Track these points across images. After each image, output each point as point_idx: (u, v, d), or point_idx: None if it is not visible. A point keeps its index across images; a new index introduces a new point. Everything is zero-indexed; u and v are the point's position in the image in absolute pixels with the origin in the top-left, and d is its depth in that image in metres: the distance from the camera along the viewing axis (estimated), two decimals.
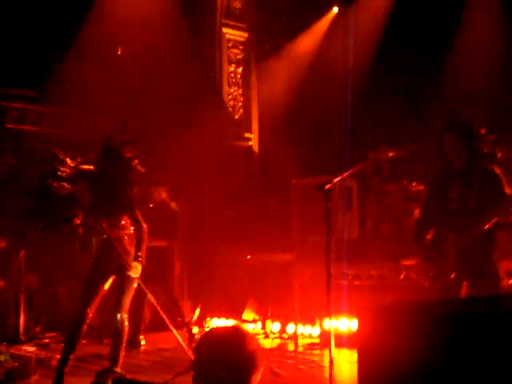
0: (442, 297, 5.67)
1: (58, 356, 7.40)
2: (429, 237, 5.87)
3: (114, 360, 6.25)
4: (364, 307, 3.04)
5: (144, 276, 6.29)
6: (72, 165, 6.29)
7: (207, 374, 2.79)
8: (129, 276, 6.14)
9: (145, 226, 6.33)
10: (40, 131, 10.15)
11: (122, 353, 6.26)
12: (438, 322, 2.53)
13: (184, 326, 7.99)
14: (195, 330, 8.45)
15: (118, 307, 6.24)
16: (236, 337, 2.85)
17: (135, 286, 6.28)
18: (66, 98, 9.90)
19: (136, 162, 6.30)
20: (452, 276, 5.66)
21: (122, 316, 6.21)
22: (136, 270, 6.12)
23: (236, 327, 3.04)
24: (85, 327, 6.18)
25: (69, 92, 9.81)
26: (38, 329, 8.66)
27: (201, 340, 2.89)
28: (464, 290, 5.68)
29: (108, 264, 6.30)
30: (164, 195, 8.35)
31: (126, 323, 6.26)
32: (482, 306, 2.98)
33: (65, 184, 6.21)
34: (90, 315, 6.20)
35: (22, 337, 8.42)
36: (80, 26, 10.00)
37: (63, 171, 6.23)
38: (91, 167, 6.32)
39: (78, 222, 6.28)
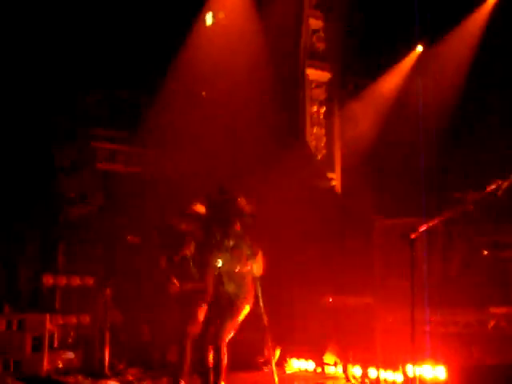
0: None
1: None
2: None
3: None
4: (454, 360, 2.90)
5: None
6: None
7: None
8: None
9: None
10: (128, 171, 10.33)
11: None
12: None
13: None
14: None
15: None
16: None
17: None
18: (153, 140, 10.06)
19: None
20: None
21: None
22: None
23: None
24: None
25: (157, 134, 9.96)
26: (121, 365, 8.67)
27: None
28: None
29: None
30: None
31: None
32: None
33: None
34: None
35: (106, 372, 8.45)
36: (169, 70, 10.18)
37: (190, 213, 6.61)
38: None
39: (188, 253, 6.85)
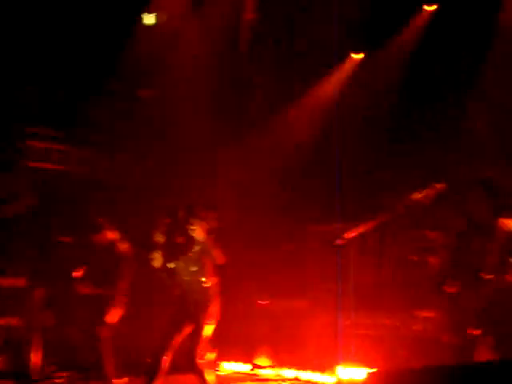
0: (461, 354, 5.57)
1: None
2: (452, 290, 5.79)
3: None
4: (372, 371, 2.94)
5: None
6: None
7: None
8: None
9: None
10: (63, 170, 10.21)
11: None
12: None
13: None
14: None
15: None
16: None
17: None
18: (89, 139, 9.96)
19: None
20: (475, 332, 5.55)
21: None
22: None
23: None
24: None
25: (92, 133, 9.87)
26: (52, 368, 8.57)
27: None
28: (487, 348, 5.54)
29: None
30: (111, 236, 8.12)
31: None
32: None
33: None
34: None
35: (35, 376, 8.33)
36: (108, 70, 10.10)
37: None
38: None
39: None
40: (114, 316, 7.80)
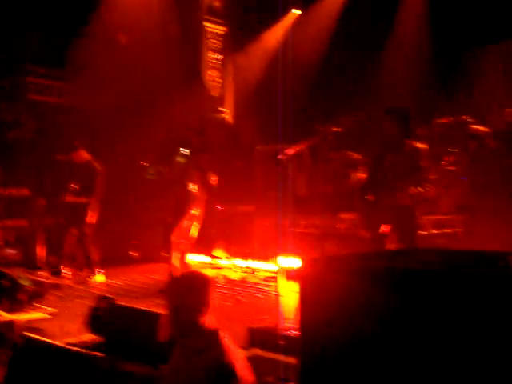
0: (373, 246, 5.74)
1: (69, 282, 7.53)
2: (369, 197, 5.90)
3: None
4: (307, 254, 3.05)
5: None
6: None
7: (172, 309, 2.85)
8: None
9: None
10: (58, 103, 10.02)
11: None
12: (366, 272, 2.55)
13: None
14: None
15: None
16: (194, 280, 2.92)
17: None
18: (80, 76, 9.74)
19: None
20: (384, 229, 5.71)
21: None
22: None
23: (196, 273, 3.10)
24: None
25: (83, 70, 9.64)
26: (53, 260, 8.59)
27: (170, 281, 2.96)
28: (393, 242, 5.72)
29: None
30: (86, 156, 8.15)
31: None
32: (405, 259, 3.02)
33: None
34: None
35: (40, 265, 8.41)
36: (91, 15, 9.82)
37: None
38: None
39: None
40: (92, 218, 7.89)
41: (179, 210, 7.00)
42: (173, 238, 6.89)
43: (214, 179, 7.42)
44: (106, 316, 4.75)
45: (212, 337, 2.79)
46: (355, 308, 2.56)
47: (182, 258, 7.15)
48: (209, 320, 2.84)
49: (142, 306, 4.86)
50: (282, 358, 4.36)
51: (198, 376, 2.66)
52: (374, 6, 9.72)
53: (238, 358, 2.76)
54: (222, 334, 2.82)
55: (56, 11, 9.34)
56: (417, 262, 2.82)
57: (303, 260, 3.05)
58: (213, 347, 2.74)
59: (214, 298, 2.89)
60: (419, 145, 5.83)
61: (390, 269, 2.61)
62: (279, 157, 4.78)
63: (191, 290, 2.84)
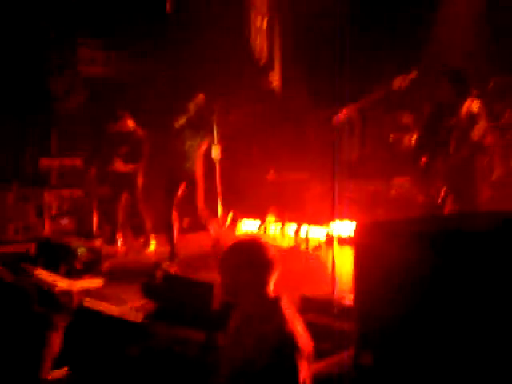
0: (429, 210, 5.61)
1: (123, 249, 7.63)
2: (423, 160, 5.76)
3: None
4: (361, 219, 2.96)
5: None
6: None
7: (232, 277, 2.76)
8: None
9: None
10: (107, 73, 10.07)
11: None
12: (418, 238, 2.45)
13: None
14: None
15: None
16: (256, 246, 2.81)
17: None
18: (127, 46, 9.75)
19: None
20: (440, 193, 5.58)
21: None
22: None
23: (256, 238, 2.99)
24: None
25: (130, 41, 9.65)
26: (107, 228, 8.72)
27: (227, 248, 2.85)
28: (449, 206, 5.58)
29: None
30: (131, 125, 8.14)
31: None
32: (467, 223, 2.90)
33: None
34: None
35: (95, 234, 8.55)
36: None
37: None
38: None
39: None
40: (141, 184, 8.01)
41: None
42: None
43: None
44: (160, 283, 4.79)
45: (274, 305, 2.73)
46: (410, 273, 2.48)
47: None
48: (270, 288, 2.78)
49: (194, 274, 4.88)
50: (335, 324, 4.32)
51: (260, 343, 2.61)
52: None
53: (299, 325, 2.71)
54: (283, 302, 2.76)
55: None
56: (472, 226, 2.72)
57: (357, 225, 2.97)
58: (275, 315, 2.68)
59: (277, 266, 2.80)
60: (475, 105, 5.63)
61: (444, 232, 2.51)
62: (333, 120, 4.68)
63: (252, 258, 2.75)
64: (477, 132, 5.47)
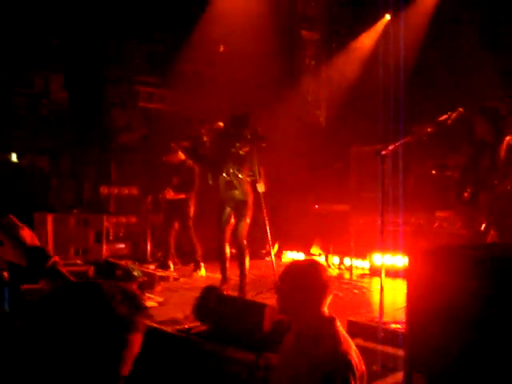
0: (473, 243, 5.52)
1: (174, 274, 7.69)
2: (466, 195, 5.71)
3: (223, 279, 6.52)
4: (415, 249, 2.94)
5: None
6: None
7: (289, 297, 2.77)
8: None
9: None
10: (163, 109, 10.33)
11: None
12: (475, 263, 2.43)
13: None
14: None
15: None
16: (312, 268, 2.83)
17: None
18: (183, 84, 9.99)
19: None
20: (482, 226, 5.50)
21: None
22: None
23: (313, 260, 3.01)
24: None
25: (186, 79, 9.88)
26: (159, 253, 8.84)
27: (285, 269, 2.87)
28: (490, 238, 5.50)
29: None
30: (182, 157, 8.25)
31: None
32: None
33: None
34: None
35: (148, 258, 8.68)
36: (194, 29, 10.05)
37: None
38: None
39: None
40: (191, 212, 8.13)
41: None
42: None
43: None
44: (212, 305, 4.82)
45: (329, 325, 2.72)
46: (462, 299, 2.45)
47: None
48: (324, 308, 2.78)
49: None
50: (380, 348, 4.28)
51: (314, 364, 2.60)
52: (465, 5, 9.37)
53: (352, 347, 2.69)
54: (338, 322, 2.75)
55: (160, 22, 9.63)
56: None
57: (410, 253, 2.95)
58: (329, 336, 2.68)
59: (332, 286, 2.81)
60: None
61: (498, 258, 2.48)
62: (383, 152, 4.68)
63: (310, 277, 2.77)
64: None
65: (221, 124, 6.84)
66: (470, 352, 2.41)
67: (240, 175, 6.50)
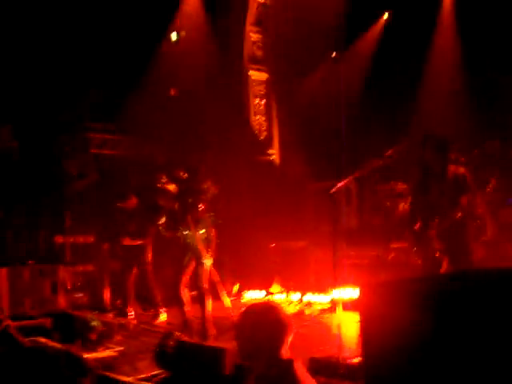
0: (427, 272, 5.61)
1: (134, 322, 7.55)
2: (417, 225, 5.81)
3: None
4: (365, 282, 2.96)
5: None
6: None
7: (247, 342, 2.76)
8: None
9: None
10: (116, 154, 10.29)
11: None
12: (419, 296, 2.47)
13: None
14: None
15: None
16: (268, 311, 2.83)
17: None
18: (135, 130, 9.99)
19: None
20: (436, 255, 5.60)
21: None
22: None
23: (269, 303, 3.01)
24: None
25: (137, 125, 9.89)
26: (118, 301, 8.68)
27: (241, 314, 2.86)
28: (445, 266, 5.60)
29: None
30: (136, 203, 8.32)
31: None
32: (461, 281, 2.91)
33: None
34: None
35: (107, 307, 8.50)
36: (143, 75, 10.11)
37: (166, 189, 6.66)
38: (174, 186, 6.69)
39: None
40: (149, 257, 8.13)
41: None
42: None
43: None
44: (171, 351, 4.74)
45: (287, 367, 2.71)
46: (417, 331, 2.48)
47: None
48: (283, 350, 2.77)
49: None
50: None
51: None
52: (408, 42, 9.77)
53: None
54: (297, 363, 2.74)
55: (110, 70, 9.66)
56: (475, 283, 2.73)
57: (361, 287, 2.98)
58: (288, 377, 2.67)
59: (290, 328, 2.80)
60: (461, 170, 5.75)
61: (452, 290, 2.52)
62: (332, 191, 4.76)
63: (268, 321, 2.76)
64: (465, 196, 5.56)
65: (181, 173, 6.91)
66: (423, 381, 2.43)
67: (198, 230, 6.59)
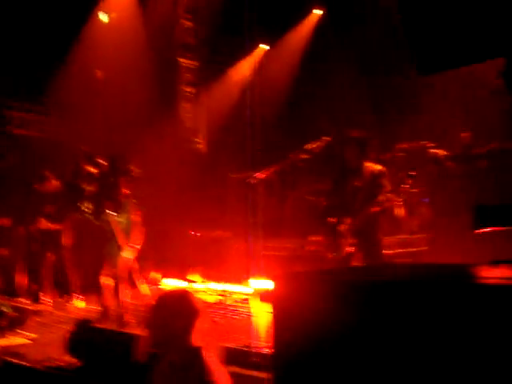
0: (340, 266, 5.74)
1: (49, 308, 7.38)
2: (330, 220, 5.91)
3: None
4: (277, 273, 3.02)
5: None
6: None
7: (157, 329, 2.77)
8: None
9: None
10: (39, 136, 9.98)
11: None
12: (328, 287, 2.55)
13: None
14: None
15: None
16: (180, 298, 2.85)
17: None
18: (60, 111, 9.71)
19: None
20: (348, 250, 5.73)
21: None
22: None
23: (181, 290, 3.04)
24: None
25: (63, 106, 9.62)
26: (35, 287, 8.42)
27: (154, 302, 2.87)
28: (355, 261, 5.74)
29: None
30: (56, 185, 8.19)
31: None
32: (368, 274, 3.02)
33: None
34: None
35: (22, 292, 8.23)
36: (69, 52, 9.83)
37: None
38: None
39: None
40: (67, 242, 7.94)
41: None
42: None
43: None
44: (84, 339, 4.67)
45: (196, 354, 2.74)
46: (326, 321, 2.56)
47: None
48: (194, 338, 2.79)
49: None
50: (256, 374, 4.34)
51: None
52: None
53: (222, 375, 2.72)
54: (205, 351, 2.77)
55: (36, 47, 9.33)
56: (387, 275, 2.82)
57: (274, 277, 3.04)
58: (196, 365, 2.69)
59: (202, 315, 2.83)
60: (377, 167, 5.89)
61: (362, 282, 2.61)
62: (248, 180, 4.80)
63: (177, 308, 2.78)
64: (379, 193, 5.71)
65: (101, 160, 6.80)
66: (334, 372, 2.50)
67: (118, 218, 6.50)
